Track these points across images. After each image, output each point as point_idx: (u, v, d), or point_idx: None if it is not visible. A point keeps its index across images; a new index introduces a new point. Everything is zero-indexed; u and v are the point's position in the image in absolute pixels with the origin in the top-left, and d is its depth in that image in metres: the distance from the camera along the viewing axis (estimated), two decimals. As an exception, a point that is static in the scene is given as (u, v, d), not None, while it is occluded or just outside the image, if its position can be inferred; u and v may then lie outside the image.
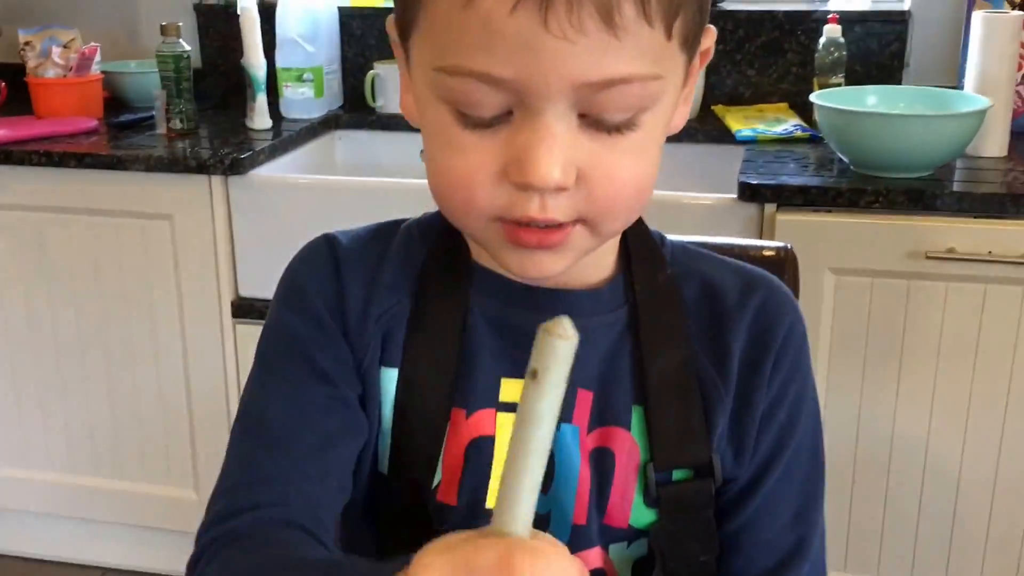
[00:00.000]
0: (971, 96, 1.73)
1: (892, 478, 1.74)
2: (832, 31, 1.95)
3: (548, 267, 0.62)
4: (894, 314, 1.66)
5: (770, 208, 1.66)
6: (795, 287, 0.99)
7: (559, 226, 0.60)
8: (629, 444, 0.69)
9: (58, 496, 2.15)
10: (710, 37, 0.65)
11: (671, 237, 0.77)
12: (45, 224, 1.98)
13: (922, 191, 1.60)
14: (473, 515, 0.68)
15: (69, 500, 2.15)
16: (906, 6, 2.10)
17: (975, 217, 1.60)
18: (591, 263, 0.69)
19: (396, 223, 0.75)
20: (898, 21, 2.07)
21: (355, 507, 0.72)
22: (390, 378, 0.69)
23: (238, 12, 2.06)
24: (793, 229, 1.63)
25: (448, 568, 0.43)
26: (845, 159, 1.72)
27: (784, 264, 0.99)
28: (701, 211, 1.70)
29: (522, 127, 0.57)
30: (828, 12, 2.05)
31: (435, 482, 0.69)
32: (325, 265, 0.71)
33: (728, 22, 2.13)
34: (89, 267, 1.99)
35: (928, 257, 1.60)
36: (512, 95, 0.57)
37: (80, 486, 2.13)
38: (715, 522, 0.72)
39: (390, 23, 0.66)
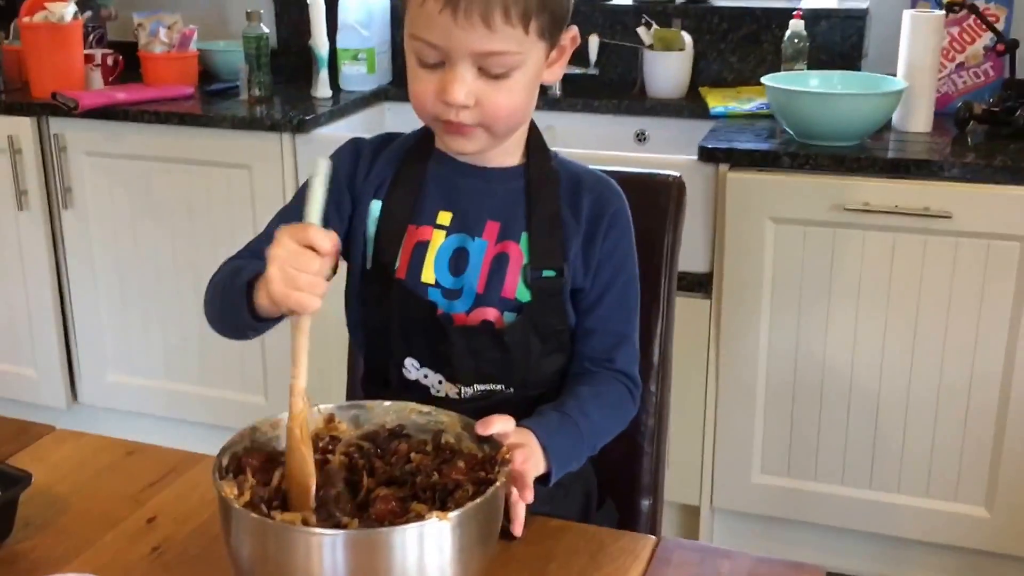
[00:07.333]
0: (893, 80, 2.10)
1: (824, 398, 2.12)
2: (796, 25, 2.33)
3: (462, 147, 1.10)
4: (822, 257, 2.03)
5: (723, 168, 2.05)
6: (679, 207, 1.38)
7: (467, 127, 1.07)
8: (517, 252, 1.14)
9: (155, 398, 2.65)
10: (571, 32, 1.11)
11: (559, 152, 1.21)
12: (152, 171, 2.48)
13: (844, 156, 1.98)
14: (414, 284, 1.13)
15: (164, 400, 2.64)
16: (866, 4, 2.46)
17: (887, 177, 1.97)
18: (504, 153, 1.15)
19: (405, 134, 1.22)
20: (858, 17, 2.43)
21: (352, 290, 1.19)
22: (376, 206, 1.16)
23: (308, 2, 2.53)
24: (740, 185, 2.02)
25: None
26: (789, 130, 2.10)
27: (671, 188, 1.38)
28: (670, 168, 2.09)
29: (447, 71, 1.05)
30: (795, 8, 2.42)
31: (395, 266, 1.15)
32: (351, 151, 1.20)
33: (714, 16, 2.53)
34: (184, 207, 2.47)
35: (846, 209, 1.97)
36: (442, 53, 1.03)
37: (173, 390, 2.62)
38: (569, 311, 1.16)
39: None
